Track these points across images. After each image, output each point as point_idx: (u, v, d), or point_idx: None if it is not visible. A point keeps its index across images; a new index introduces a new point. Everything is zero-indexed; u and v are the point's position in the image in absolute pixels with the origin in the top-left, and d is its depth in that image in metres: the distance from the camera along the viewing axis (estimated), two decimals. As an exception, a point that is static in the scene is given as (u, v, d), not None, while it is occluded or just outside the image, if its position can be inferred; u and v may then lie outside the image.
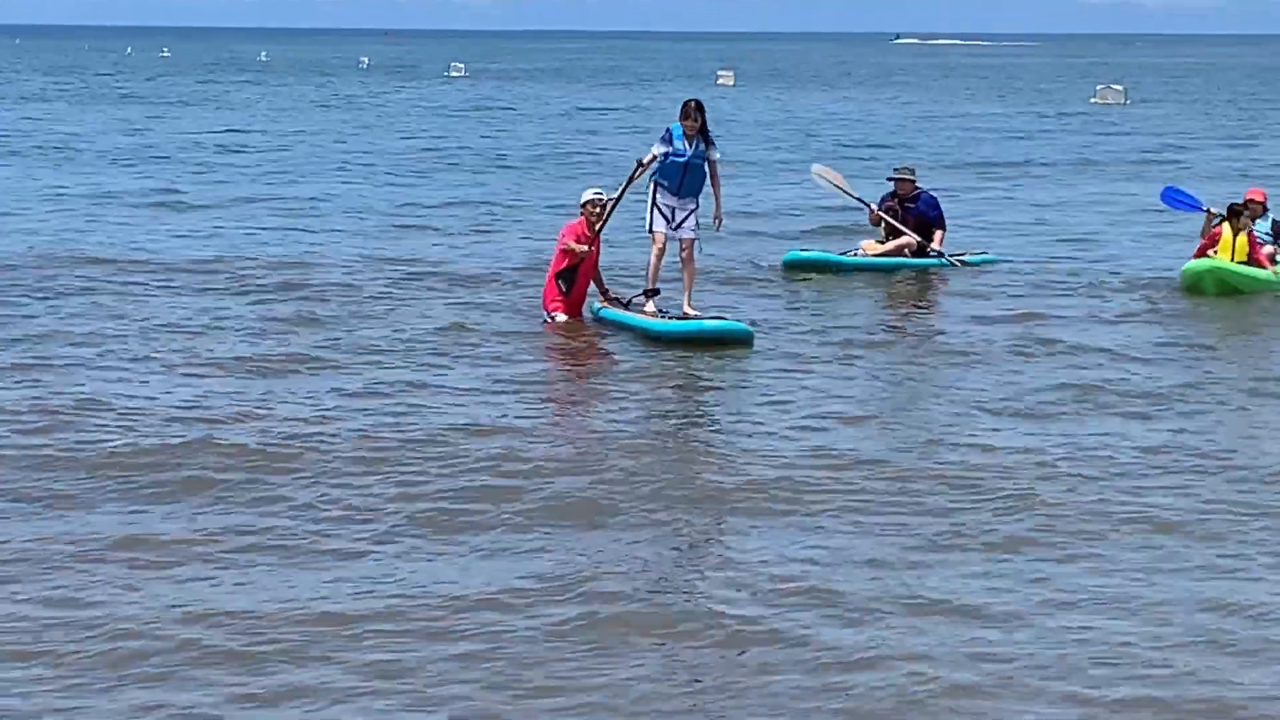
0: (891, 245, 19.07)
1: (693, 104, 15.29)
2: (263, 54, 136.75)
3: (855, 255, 19.10)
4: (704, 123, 15.18)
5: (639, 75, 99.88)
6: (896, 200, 19.35)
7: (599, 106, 60.75)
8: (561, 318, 15.70)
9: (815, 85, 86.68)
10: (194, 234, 21.80)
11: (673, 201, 15.29)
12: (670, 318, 15.04)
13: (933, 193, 19.79)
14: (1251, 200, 19.45)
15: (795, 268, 18.74)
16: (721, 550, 9.04)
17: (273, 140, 40.27)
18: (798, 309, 16.64)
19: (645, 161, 15.31)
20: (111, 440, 10.83)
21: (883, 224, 19.30)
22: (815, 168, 20.96)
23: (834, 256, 18.95)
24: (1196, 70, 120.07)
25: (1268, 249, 19.18)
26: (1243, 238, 18.58)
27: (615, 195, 15.70)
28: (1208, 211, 19.33)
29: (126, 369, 13.14)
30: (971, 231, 23.38)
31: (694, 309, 15.29)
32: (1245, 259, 18.54)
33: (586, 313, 15.91)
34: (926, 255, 19.08)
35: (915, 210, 19.26)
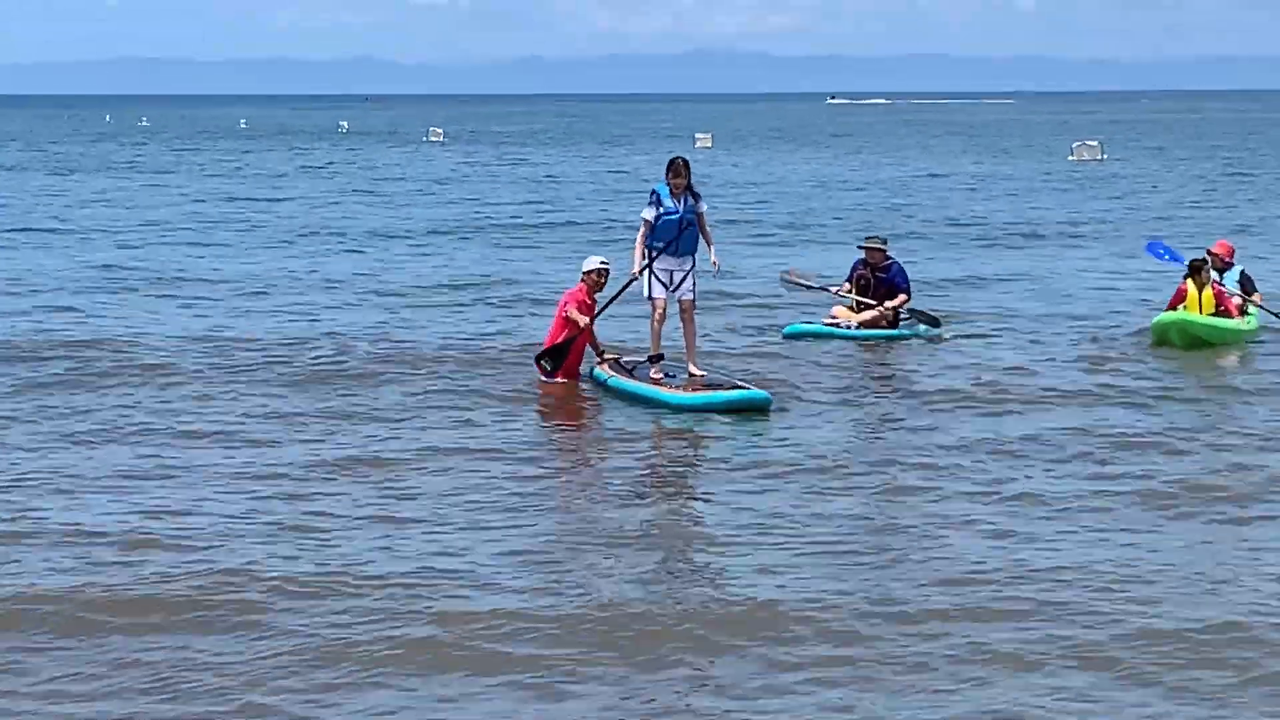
0: (869, 316, 19.12)
1: (680, 161, 15.43)
2: (242, 121, 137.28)
3: (830, 321, 19.19)
4: (690, 181, 15.32)
5: (612, 138, 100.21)
6: (869, 269, 19.47)
7: (582, 171, 60.99)
8: (563, 379, 15.78)
9: (792, 146, 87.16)
10: (183, 313, 21.28)
11: (670, 264, 15.37)
12: (675, 384, 15.00)
13: (903, 263, 20.04)
14: (1212, 253, 20.03)
15: (796, 339, 18.79)
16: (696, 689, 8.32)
17: (253, 211, 40.21)
18: (798, 382, 16.37)
19: (645, 232, 15.32)
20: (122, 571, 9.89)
21: (851, 293, 19.49)
22: (782, 272, 21.18)
23: (831, 329, 18.97)
24: (1167, 126, 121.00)
25: (1236, 300, 19.56)
26: (1208, 291, 18.97)
27: (634, 271, 15.43)
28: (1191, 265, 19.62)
29: (120, 485, 12.03)
30: (964, 290, 23.60)
31: (698, 369, 15.38)
32: (1214, 311, 18.90)
33: (585, 377, 15.86)
34: (898, 324, 19.25)
35: (886, 280, 19.41)
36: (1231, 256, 20.40)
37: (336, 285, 24.52)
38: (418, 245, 31.27)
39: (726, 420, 14.27)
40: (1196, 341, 18.61)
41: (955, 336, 19.40)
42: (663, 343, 15.55)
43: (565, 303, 16.00)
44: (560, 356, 15.72)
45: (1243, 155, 71.65)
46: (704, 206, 15.49)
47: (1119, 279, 25.51)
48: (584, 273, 16.16)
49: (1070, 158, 67.83)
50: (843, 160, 69.39)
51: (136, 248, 30.44)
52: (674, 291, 15.44)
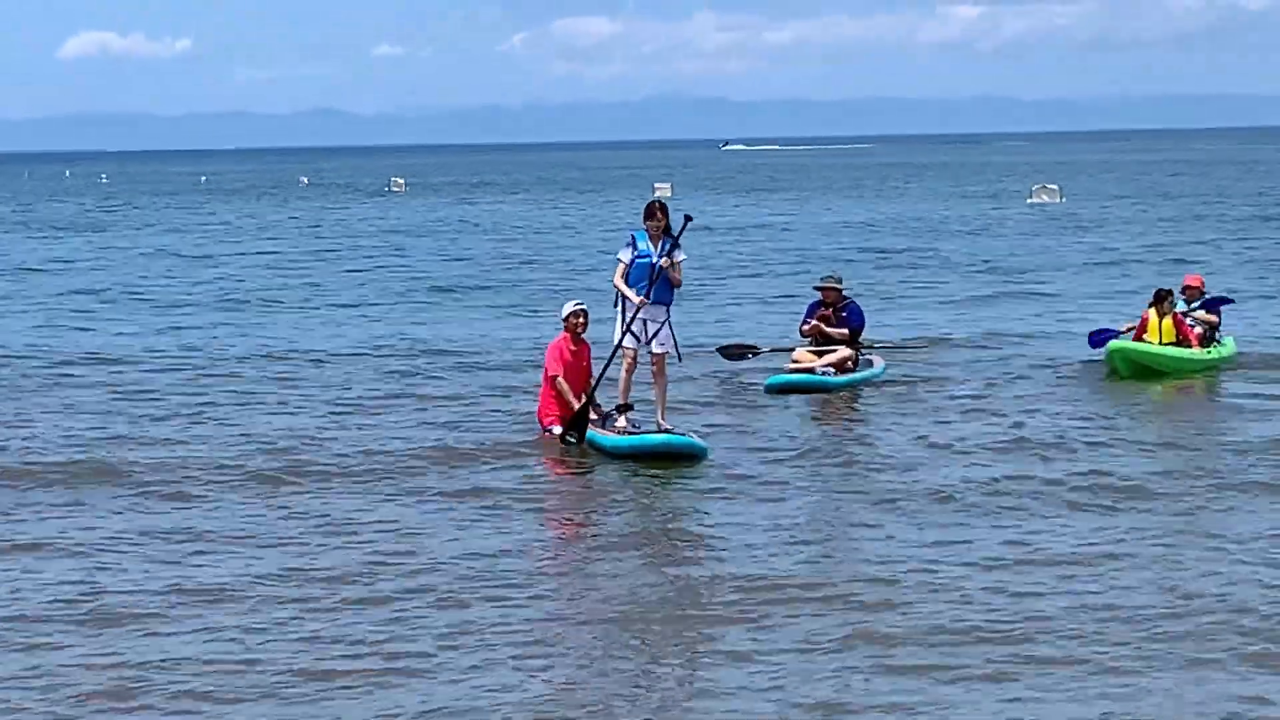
0: (835, 358, 19.32)
1: (656, 204, 15.32)
2: (202, 177, 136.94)
3: (795, 367, 19.32)
4: (668, 223, 15.17)
5: (570, 187, 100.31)
6: (831, 311, 19.66)
7: (552, 220, 61.08)
8: (558, 430, 15.66)
9: (742, 191, 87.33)
10: (137, 406, 18.17)
11: (643, 312, 15.14)
12: (638, 432, 14.95)
13: (857, 299, 20.37)
14: (1187, 287, 20.84)
15: (777, 390, 18.90)
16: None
17: (222, 271, 39.97)
18: (771, 428, 16.54)
19: (622, 272, 15.14)
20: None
21: (811, 336, 19.63)
22: (719, 348, 20.99)
23: (811, 378, 19.07)
24: (1123, 167, 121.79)
25: (1198, 329, 20.23)
26: (1168, 321, 19.75)
27: (637, 300, 15.03)
28: (1122, 332, 20.46)
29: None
30: (918, 328, 23.89)
31: (667, 424, 15.20)
32: (1174, 340, 19.66)
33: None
34: (859, 361, 19.53)
35: (845, 319, 19.63)
36: (1203, 286, 21.09)
37: (316, 352, 22.98)
38: (401, 305, 30.14)
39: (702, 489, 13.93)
40: (1144, 370, 19.37)
41: (915, 364, 20.10)
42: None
43: (549, 357, 15.93)
44: (581, 424, 15.29)
45: (1201, 194, 72.24)
46: (681, 256, 15.13)
47: (1080, 318, 25.86)
48: (563, 319, 16.10)
49: (1029, 200, 68.22)
50: (802, 204, 69.71)
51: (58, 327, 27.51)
52: (646, 344, 15.26)
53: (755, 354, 20.77)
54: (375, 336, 24.81)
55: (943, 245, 43.91)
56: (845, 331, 19.56)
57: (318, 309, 29.60)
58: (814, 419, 17.55)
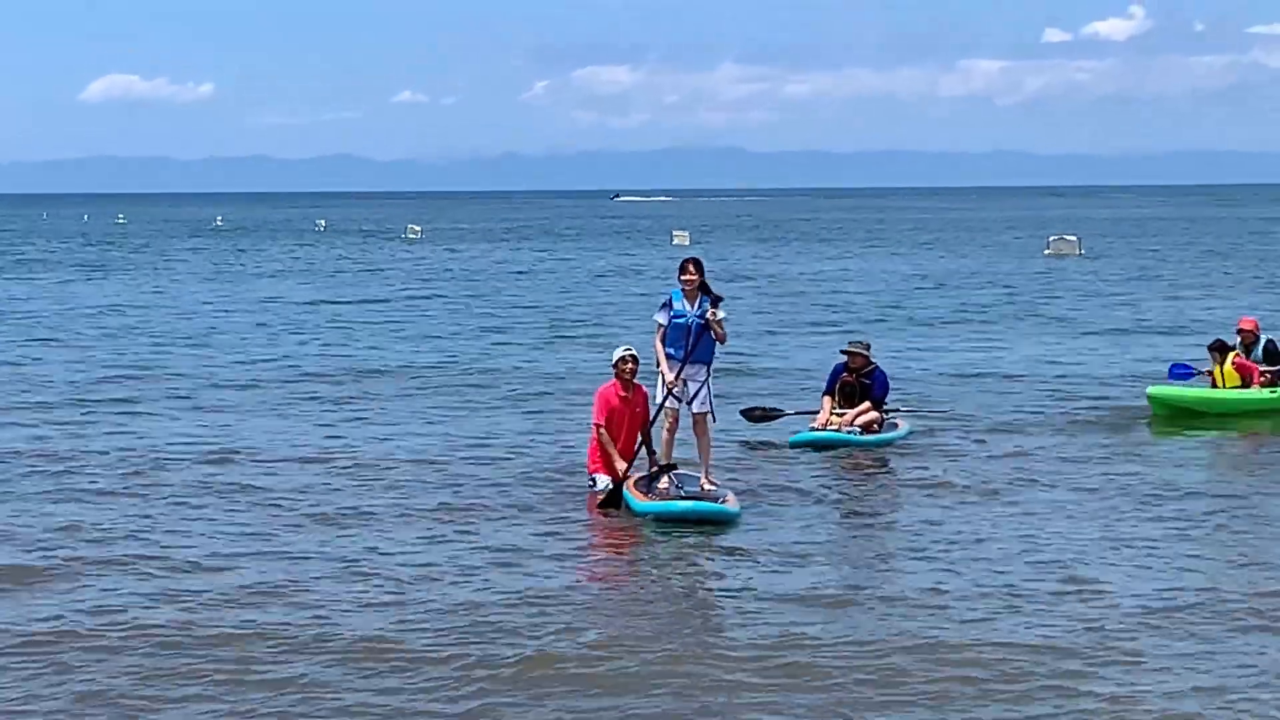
0: (862, 420, 18.92)
1: (690, 261, 15.04)
2: (218, 219, 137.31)
3: (816, 424, 18.98)
4: (703, 280, 14.89)
5: (589, 235, 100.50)
6: (855, 377, 19.30)
7: (585, 269, 61.08)
8: (603, 480, 15.29)
9: (740, 242, 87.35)
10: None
11: (683, 373, 14.88)
12: (684, 493, 14.65)
13: (883, 369, 19.74)
14: (1241, 330, 21.41)
15: (800, 446, 18.58)
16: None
17: (255, 318, 39.85)
18: (804, 492, 16.13)
19: (661, 335, 14.93)
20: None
21: (836, 395, 19.28)
22: (743, 411, 20.39)
23: (835, 435, 18.75)
24: (1137, 221, 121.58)
25: (1264, 370, 20.71)
26: (1228, 367, 20.53)
27: (669, 380, 14.84)
28: (1199, 374, 21.33)
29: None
30: (952, 384, 23.55)
31: (711, 483, 14.90)
32: (1238, 385, 20.49)
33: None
34: (884, 424, 19.14)
35: (868, 387, 19.24)
36: (1258, 329, 21.39)
37: (356, 396, 23.07)
38: (435, 350, 29.62)
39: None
40: (1178, 410, 20.18)
41: (939, 423, 19.99)
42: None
43: (597, 403, 15.47)
44: (616, 499, 14.93)
45: (1224, 249, 71.95)
46: (722, 314, 14.80)
47: (1115, 365, 26.01)
48: (613, 365, 15.59)
49: (1046, 252, 67.72)
50: (828, 257, 69.59)
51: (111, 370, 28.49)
52: (687, 404, 14.98)
53: (779, 416, 20.38)
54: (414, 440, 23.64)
55: (956, 298, 43.55)
56: (871, 415, 19.03)
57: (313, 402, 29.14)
58: (840, 475, 17.13)
